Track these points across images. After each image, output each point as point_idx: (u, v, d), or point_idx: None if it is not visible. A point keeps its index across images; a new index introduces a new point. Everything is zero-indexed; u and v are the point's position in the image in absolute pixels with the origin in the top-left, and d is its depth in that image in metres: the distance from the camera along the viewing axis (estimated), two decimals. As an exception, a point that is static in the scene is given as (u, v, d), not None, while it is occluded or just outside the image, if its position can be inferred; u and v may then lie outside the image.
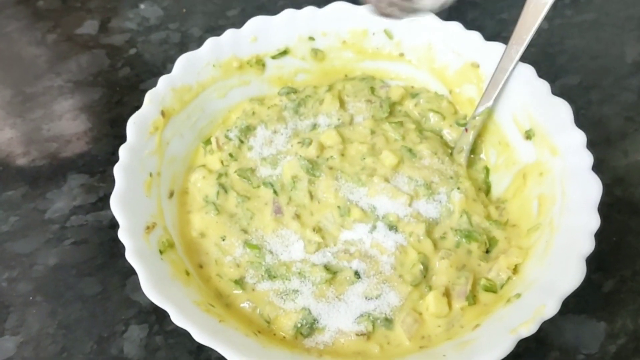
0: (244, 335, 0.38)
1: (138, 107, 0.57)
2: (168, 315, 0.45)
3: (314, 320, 0.41)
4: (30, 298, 0.47)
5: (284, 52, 0.54)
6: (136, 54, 0.63)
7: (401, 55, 0.54)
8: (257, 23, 0.52)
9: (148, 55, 0.63)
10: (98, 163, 0.54)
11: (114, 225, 0.50)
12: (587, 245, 0.38)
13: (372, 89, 0.54)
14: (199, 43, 0.54)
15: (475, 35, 0.50)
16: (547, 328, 0.44)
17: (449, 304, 0.41)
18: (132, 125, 0.46)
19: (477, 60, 0.51)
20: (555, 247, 0.40)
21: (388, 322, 0.41)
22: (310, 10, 0.53)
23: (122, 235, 0.40)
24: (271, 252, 0.44)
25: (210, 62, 0.51)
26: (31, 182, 0.53)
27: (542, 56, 0.61)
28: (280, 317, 0.41)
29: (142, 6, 0.67)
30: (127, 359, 0.43)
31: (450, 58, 0.52)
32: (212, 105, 0.52)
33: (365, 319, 0.41)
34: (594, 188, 0.40)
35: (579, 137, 0.43)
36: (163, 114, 0.48)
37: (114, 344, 0.44)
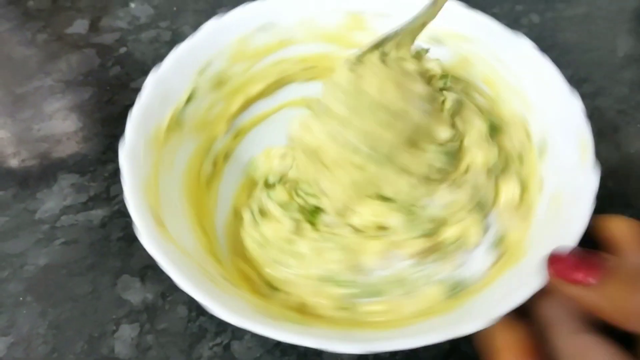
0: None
1: (129, 105, 0.57)
2: (159, 314, 0.45)
3: None
4: (21, 298, 0.46)
5: None
6: (126, 53, 0.63)
7: None
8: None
9: (138, 53, 0.63)
10: (89, 162, 0.54)
11: (104, 224, 0.50)
12: None
13: None
14: (189, 41, 0.54)
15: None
16: (540, 322, 0.43)
17: None
18: None
19: None
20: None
21: None
22: None
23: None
24: None
25: None
26: (21, 182, 0.53)
27: (534, 50, 0.61)
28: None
29: (132, 5, 0.67)
30: (118, 359, 0.43)
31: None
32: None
33: None
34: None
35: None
36: None
37: (104, 344, 0.44)
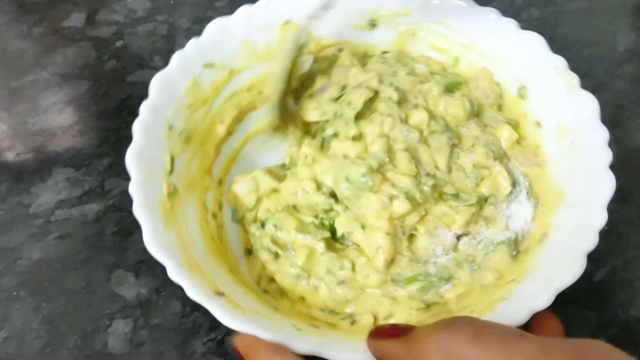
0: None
1: (125, 99, 0.58)
2: (153, 309, 0.45)
3: None
4: (14, 293, 0.46)
5: None
6: (123, 46, 0.62)
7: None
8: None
9: (135, 47, 0.62)
10: (83, 156, 0.54)
11: (99, 218, 0.50)
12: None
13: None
14: (186, 35, 0.54)
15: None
16: (537, 318, 0.43)
17: None
18: None
19: None
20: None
21: None
22: None
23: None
24: None
25: None
26: (16, 176, 0.53)
27: (533, 45, 0.61)
28: None
29: (129, -2, 0.67)
30: (111, 354, 0.43)
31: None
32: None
33: None
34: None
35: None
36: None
37: (98, 339, 0.43)
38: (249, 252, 0.46)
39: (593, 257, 0.46)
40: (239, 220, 0.47)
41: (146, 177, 0.40)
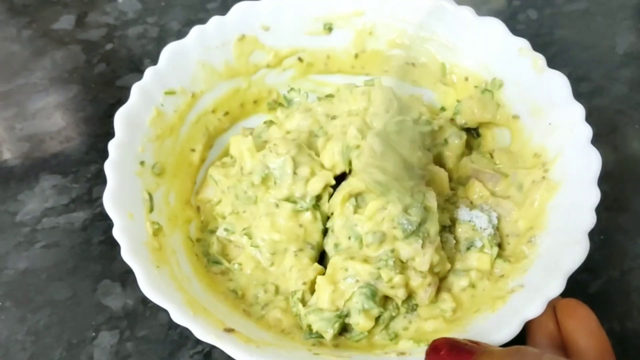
0: None
1: (113, 104, 0.57)
2: (140, 321, 0.44)
3: None
4: (0, 304, 0.45)
5: None
6: (112, 49, 0.61)
7: None
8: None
9: (125, 50, 0.61)
10: (71, 163, 0.53)
11: (85, 227, 0.49)
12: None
13: None
14: (177, 37, 0.53)
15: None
16: (531, 331, 0.42)
17: None
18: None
19: None
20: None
21: None
22: None
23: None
24: None
25: None
26: (3, 183, 0.52)
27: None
28: None
29: None
30: (96, 367, 0.42)
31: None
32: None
33: None
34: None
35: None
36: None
37: (83, 351, 0.43)
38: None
39: (589, 268, 0.45)
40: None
41: (128, 219, 0.38)
